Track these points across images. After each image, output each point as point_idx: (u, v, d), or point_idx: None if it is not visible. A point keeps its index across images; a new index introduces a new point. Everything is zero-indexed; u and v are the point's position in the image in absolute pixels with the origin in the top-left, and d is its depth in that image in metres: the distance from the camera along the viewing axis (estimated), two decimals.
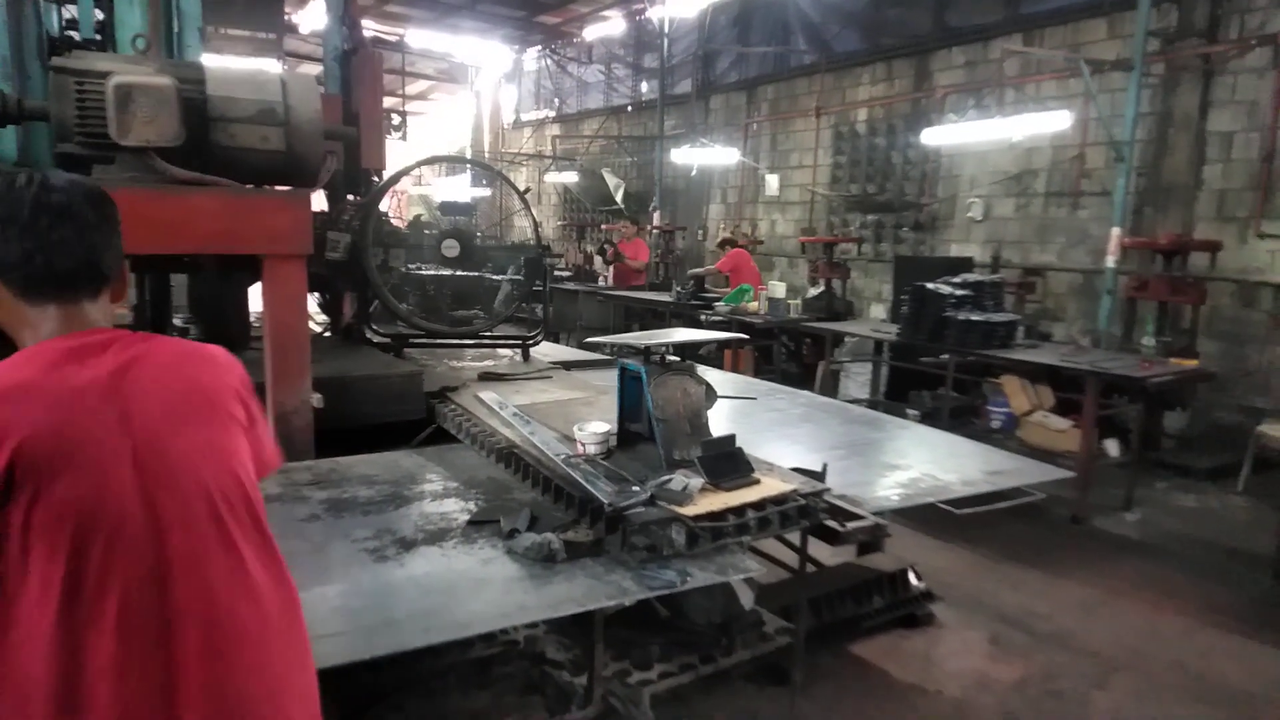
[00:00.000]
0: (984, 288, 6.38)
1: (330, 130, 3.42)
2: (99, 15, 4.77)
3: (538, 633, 3.06)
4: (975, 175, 9.12)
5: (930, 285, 6.17)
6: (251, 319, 4.54)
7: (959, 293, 6.16)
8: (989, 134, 7.70)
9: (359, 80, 4.74)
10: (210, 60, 3.40)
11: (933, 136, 8.36)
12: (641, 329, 9.44)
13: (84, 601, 1.16)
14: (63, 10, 4.73)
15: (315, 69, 14.63)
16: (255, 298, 4.42)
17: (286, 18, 11.47)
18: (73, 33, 4.74)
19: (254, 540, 1.34)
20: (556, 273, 10.55)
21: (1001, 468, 3.62)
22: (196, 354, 1.41)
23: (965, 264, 7.86)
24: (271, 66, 8.99)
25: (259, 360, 3.98)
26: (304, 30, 13.47)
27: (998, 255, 8.59)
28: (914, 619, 4.08)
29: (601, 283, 11.10)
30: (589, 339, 3.78)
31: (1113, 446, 6.05)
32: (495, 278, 10.41)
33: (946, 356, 6.29)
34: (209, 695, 1.22)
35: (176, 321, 4.58)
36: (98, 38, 4.78)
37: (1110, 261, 6.86)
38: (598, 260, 11.51)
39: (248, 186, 3.12)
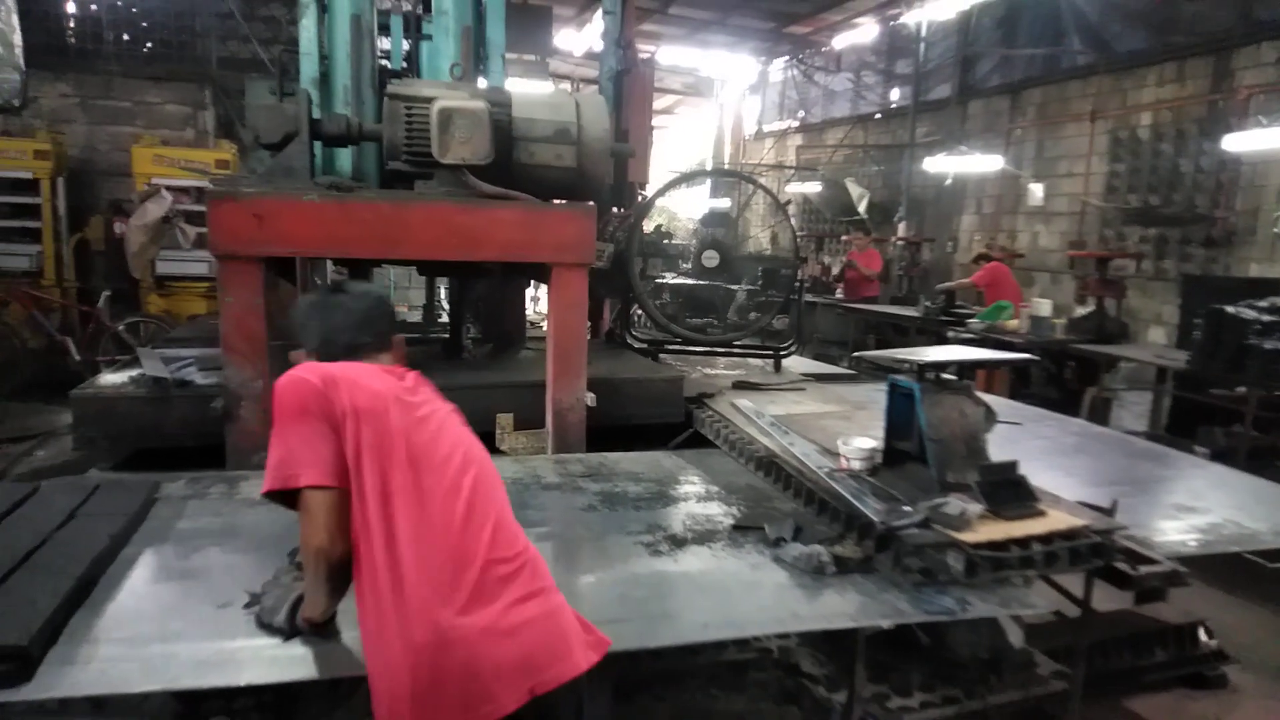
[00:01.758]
0: None
1: (612, 148, 3.64)
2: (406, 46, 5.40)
3: (790, 643, 3.07)
4: None
5: (1231, 309, 5.51)
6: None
7: (1266, 318, 5.45)
8: None
9: (629, 99, 5.01)
10: (513, 84, 3.73)
11: (1235, 143, 7.43)
12: (879, 344, 9.17)
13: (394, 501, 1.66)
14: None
15: (578, 89, 15.50)
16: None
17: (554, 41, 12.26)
18: (385, 61, 5.38)
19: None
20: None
21: None
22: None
23: (1271, 286, 6.90)
24: (548, 89, 9.66)
25: (534, 360, 4.32)
26: (576, 53, 14.32)
27: None
28: (1202, 679, 3.67)
29: (839, 295, 10.91)
30: (858, 353, 3.73)
31: None
32: (731, 287, 10.55)
33: (1244, 390, 5.58)
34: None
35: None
36: (405, 65, 5.40)
37: None
38: (834, 271, 11.33)
39: (541, 201, 3.40)
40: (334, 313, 1.96)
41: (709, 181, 17.52)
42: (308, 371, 1.76)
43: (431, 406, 1.86)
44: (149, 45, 10.61)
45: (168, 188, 7.65)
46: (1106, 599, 3.40)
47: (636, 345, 5.04)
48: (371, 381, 1.77)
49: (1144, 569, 2.51)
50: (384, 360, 1.95)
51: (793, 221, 5.57)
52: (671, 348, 5.11)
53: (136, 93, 10.46)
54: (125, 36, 10.47)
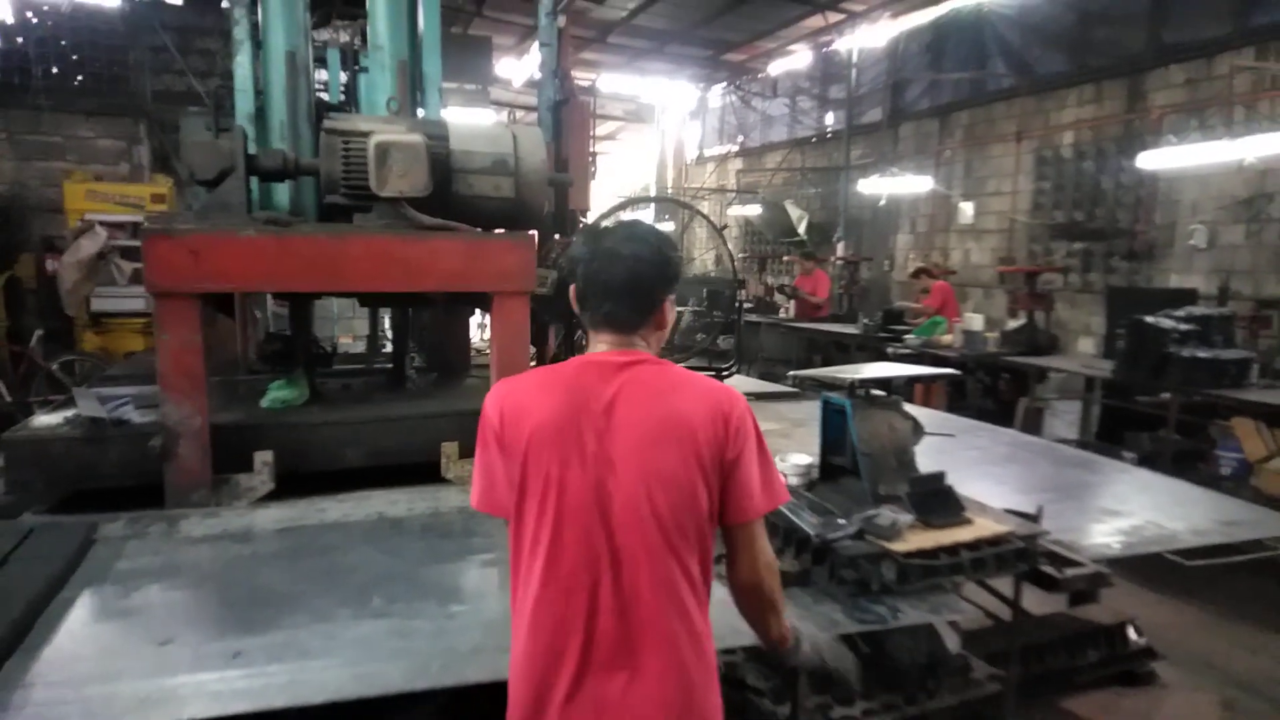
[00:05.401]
0: (1212, 322, 5.90)
1: (550, 177, 3.70)
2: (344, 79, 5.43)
3: (736, 659, 3.12)
4: (1197, 200, 8.40)
5: (1150, 319, 5.77)
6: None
7: (1183, 327, 5.73)
8: (1215, 156, 7.10)
9: (569, 128, 5.09)
10: (450, 116, 3.77)
11: (1149, 160, 7.80)
12: (825, 362, 9.37)
13: (548, 557, 1.50)
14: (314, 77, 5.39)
15: (517, 116, 15.54)
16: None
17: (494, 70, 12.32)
18: (323, 95, 5.39)
19: (681, 563, 1.52)
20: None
21: (1237, 518, 3.35)
22: (689, 386, 1.56)
23: (1188, 296, 7.25)
24: (488, 117, 9.75)
25: (478, 388, 4.34)
26: (516, 82, 14.42)
27: (1226, 286, 7.84)
28: (1133, 676, 3.82)
29: (783, 314, 11.13)
30: (793, 372, 3.83)
31: None
32: (678, 309, 10.72)
33: (1168, 396, 5.85)
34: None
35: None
36: (343, 97, 5.42)
37: None
38: (778, 292, 11.57)
39: (480, 230, 3.44)
40: (590, 267, 1.60)
41: (653, 207, 17.71)
42: (493, 401, 1.62)
43: (626, 444, 1.50)
44: (80, 79, 10.42)
45: (102, 223, 7.53)
46: (1043, 603, 3.55)
47: None
48: (557, 406, 1.53)
49: (1070, 572, 2.64)
50: (633, 342, 1.60)
51: (729, 246, 5.72)
52: None
53: (67, 127, 10.27)
54: (55, 70, 10.28)
